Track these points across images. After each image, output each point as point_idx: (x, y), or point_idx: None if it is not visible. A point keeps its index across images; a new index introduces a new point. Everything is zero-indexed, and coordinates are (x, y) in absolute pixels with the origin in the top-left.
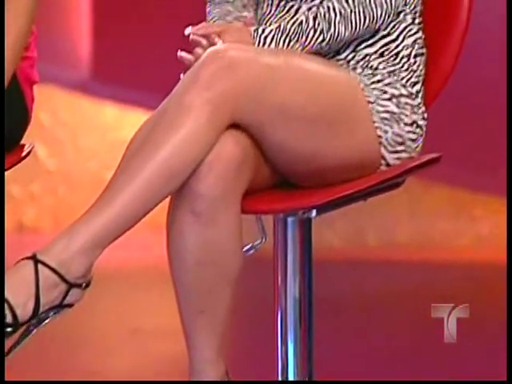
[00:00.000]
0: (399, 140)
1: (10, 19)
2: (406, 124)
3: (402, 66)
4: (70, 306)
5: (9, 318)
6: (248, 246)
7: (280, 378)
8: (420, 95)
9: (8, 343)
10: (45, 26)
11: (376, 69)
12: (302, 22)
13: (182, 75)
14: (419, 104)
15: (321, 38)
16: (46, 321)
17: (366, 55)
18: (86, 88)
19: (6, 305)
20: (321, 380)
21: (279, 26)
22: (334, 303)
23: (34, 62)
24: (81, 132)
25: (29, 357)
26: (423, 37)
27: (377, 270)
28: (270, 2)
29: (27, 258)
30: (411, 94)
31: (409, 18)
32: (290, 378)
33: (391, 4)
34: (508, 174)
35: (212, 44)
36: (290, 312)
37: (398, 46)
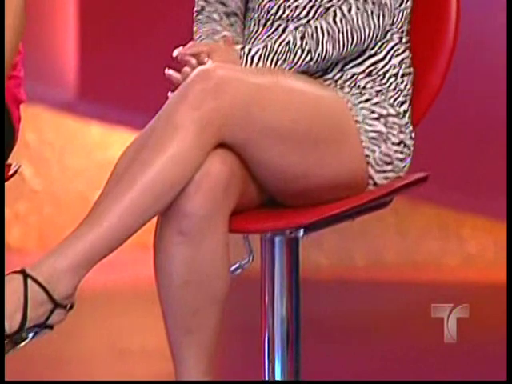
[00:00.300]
0: (387, 159)
1: None
2: (393, 143)
3: (390, 86)
4: (51, 327)
5: None
6: (235, 266)
7: None
8: (407, 115)
9: None
10: (32, 46)
11: (363, 88)
12: (289, 41)
13: (169, 93)
14: (407, 124)
15: (308, 58)
16: (26, 341)
17: (354, 75)
18: (73, 108)
19: None
20: None
21: (266, 45)
22: (321, 323)
23: (20, 81)
24: (67, 152)
25: (14, 376)
26: (410, 56)
27: (364, 289)
28: (257, 22)
29: (16, 272)
30: (399, 113)
31: (396, 38)
32: None
33: (379, 24)
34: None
35: (201, 63)
36: (278, 331)
37: (385, 66)
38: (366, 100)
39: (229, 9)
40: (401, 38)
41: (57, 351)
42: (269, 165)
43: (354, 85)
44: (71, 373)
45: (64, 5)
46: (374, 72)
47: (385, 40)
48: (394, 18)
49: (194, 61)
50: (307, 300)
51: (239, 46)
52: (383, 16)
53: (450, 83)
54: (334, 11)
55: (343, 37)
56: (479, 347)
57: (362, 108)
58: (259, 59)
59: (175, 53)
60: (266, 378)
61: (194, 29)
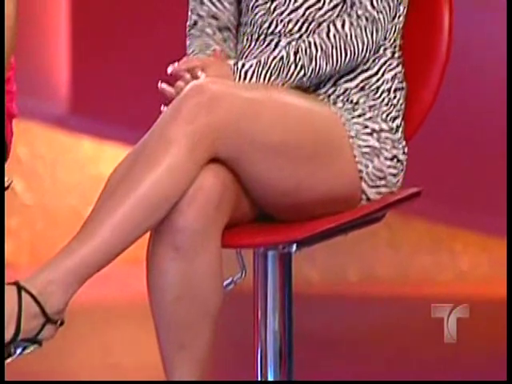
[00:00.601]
0: (380, 175)
1: None
2: (386, 158)
3: (383, 101)
4: (40, 344)
5: None
6: (228, 281)
7: None
8: (400, 130)
9: None
10: (24, 61)
11: (356, 103)
12: (282, 56)
13: (162, 107)
14: (400, 139)
15: (302, 73)
16: (13, 357)
17: (347, 89)
18: (65, 122)
19: None
20: None
21: (260, 60)
22: (314, 338)
23: (13, 96)
24: (59, 166)
25: None
26: (403, 71)
27: (357, 304)
28: (250, 37)
29: (10, 284)
30: (392, 128)
31: (388, 53)
32: None
33: (372, 39)
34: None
35: (194, 78)
36: (270, 346)
37: (378, 81)
38: (359, 115)
39: (222, 23)
40: (393, 53)
41: (48, 365)
42: (262, 179)
43: (347, 100)
44: None
45: (56, 19)
46: (366, 87)
47: (377, 55)
48: (386, 32)
49: (187, 75)
50: (300, 315)
51: (232, 61)
52: (376, 31)
53: (443, 98)
54: (328, 27)
55: (337, 52)
56: (479, 347)
57: (354, 123)
58: (252, 74)
59: (170, 69)
60: None
61: (187, 43)
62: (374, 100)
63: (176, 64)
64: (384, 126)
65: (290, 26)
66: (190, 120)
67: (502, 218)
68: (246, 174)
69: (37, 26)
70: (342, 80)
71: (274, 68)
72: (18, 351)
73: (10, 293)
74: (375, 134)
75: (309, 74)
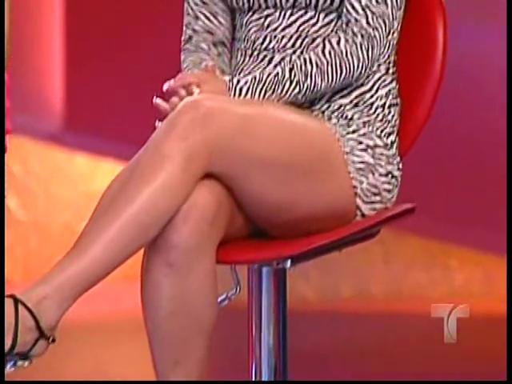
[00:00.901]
0: (374, 190)
1: None
2: (381, 174)
3: (377, 117)
4: (31, 360)
5: None
6: (222, 297)
7: None
8: (395, 146)
9: None
10: (17, 77)
11: (351, 119)
12: (278, 73)
13: (157, 123)
14: (394, 155)
15: (297, 90)
16: (4, 370)
17: (341, 106)
18: (58, 138)
19: None
20: None
21: (255, 76)
22: (308, 354)
23: (7, 112)
24: (52, 182)
25: None
26: (397, 87)
27: (351, 321)
28: (244, 52)
29: (6, 296)
30: (386, 144)
31: (383, 69)
32: None
33: (368, 56)
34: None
35: (189, 93)
36: (265, 363)
37: (372, 97)
38: (354, 131)
39: (216, 38)
40: (387, 69)
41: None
42: (256, 195)
43: (342, 116)
44: None
45: (50, 35)
46: (360, 103)
47: (371, 71)
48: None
49: (183, 92)
50: (294, 331)
51: (228, 77)
52: (372, 49)
53: (438, 114)
54: (323, 43)
55: (332, 69)
56: (479, 347)
57: (349, 139)
58: (248, 90)
59: (165, 86)
60: None
61: (182, 58)
62: (368, 116)
63: (171, 81)
64: (378, 141)
65: (284, 41)
66: (184, 136)
67: (497, 234)
68: (240, 189)
69: (30, 41)
70: (337, 96)
71: (269, 84)
72: (9, 366)
73: (7, 305)
74: (370, 150)
75: (304, 90)
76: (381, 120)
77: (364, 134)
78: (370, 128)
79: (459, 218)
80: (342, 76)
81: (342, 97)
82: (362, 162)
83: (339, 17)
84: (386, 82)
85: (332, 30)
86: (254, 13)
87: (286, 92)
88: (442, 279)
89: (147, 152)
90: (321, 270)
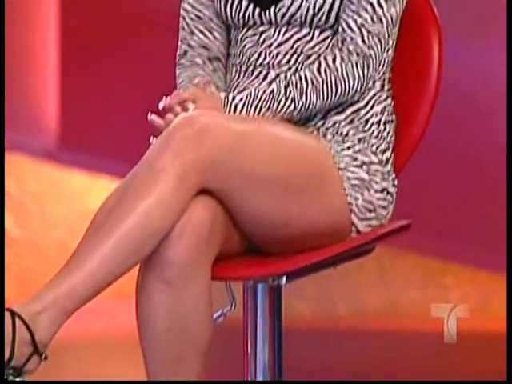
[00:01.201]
0: (370, 207)
1: None
2: (376, 191)
3: (372, 133)
4: (24, 377)
5: None
6: (218, 313)
7: None
8: (390, 162)
9: None
10: (12, 94)
11: (346, 135)
12: (273, 90)
13: (151, 139)
14: (389, 171)
15: (292, 107)
16: None
17: (336, 122)
18: (54, 156)
19: None
20: None
21: (250, 93)
22: (304, 372)
23: None
24: (48, 200)
25: None
26: (393, 103)
27: (347, 338)
28: (239, 68)
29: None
30: (381, 161)
31: (378, 85)
32: None
33: (364, 75)
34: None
35: (185, 110)
36: (260, 379)
37: (367, 113)
38: (349, 147)
39: (212, 53)
40: (383, 86)
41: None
42: (251, 211)
43: (337, 132)
44: None
45: (45, 53)
46: (356, 119)
47: (367, 88)
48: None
49: (178, 108)
50: (289, 348)
51: (223, 94)
52: (367, 67)
53: (434, 130)
54: (319, 61)
55: (327, 87)
56: (479, 347)
57: (344, 155)
58: (243, 107)
59: (161, 105)
60: None
61: (177, 73)
62: (363, 132)
63: (167, 98)
64: (374, 158)
65: (279, 58)
66: (179, 152)
67: (493, 252)
68: (235, 206)
69: (25, 59)
70: (332, 112)
71: (264, 101)
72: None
73: (5, 318)
74: (365, 167)
75: (299, 108)
76: (376, 136)
77: (359, 151)
78: (365, 144)
79: (455, 235)
80: (338, 94)
81: (337, 113)
82: (357, 179)
83: (334, 34)
84: (382, 99)
85: (327, 47)
86: (248, 29)
87: (281, 109)
88: (437, 297)
89: (142, 168)
90: (316, 287)
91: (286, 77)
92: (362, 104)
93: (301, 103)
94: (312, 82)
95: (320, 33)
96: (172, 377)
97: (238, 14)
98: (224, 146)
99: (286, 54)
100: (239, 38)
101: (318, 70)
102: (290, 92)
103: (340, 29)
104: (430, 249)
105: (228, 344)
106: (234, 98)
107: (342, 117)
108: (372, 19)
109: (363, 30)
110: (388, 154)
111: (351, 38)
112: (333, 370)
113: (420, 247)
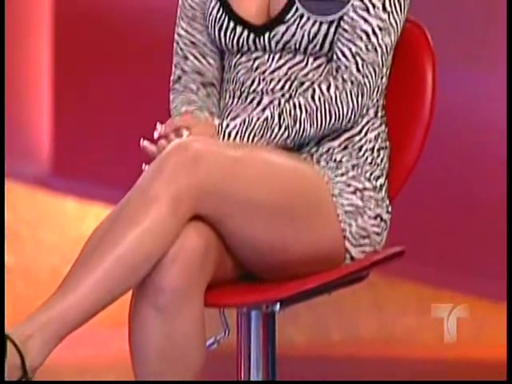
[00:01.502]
0: (363, 233)
1: None
2: (370, 217)
3: (366, 160)
4: None
5: None
6: (211, 340)
7: None
8: (384, 189)
9: None
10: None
11: (340, 162)
12: (267, 117)
13: (144, 166)
14: (383, 198)
15: (286, 135)
16: None
17: (330, 148)
18: (47, 183)
19: None
20: None
21: (244, 120)
22: None
23: None
24: (41, 228)
25: None
26: (386, 130)
27: (341, 365)
28: (232, 93)
29: None
30: (375, 187)
31: (371, 112)
32: None
33: (358, 103)
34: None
35: (179, 137)
36: None
37: (361, 140)
38: (342, 174)
39: (205, 79)
40: (376, 113)
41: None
42: (245, 238)
43: (330, 158)
44: None
45: (38, 79)
46: (349, 146)
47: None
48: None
49: (172, 135)
50: (283, 375)
51: (217, 121)
52: (362, 96)
53: (428, 157)
54: (313, 89)
55: (321, 115)
56: (479, 347)
57: (338, 182)
58: (236, 134)
59: (156, 134)
60: None
61: (171, 98)
62: (357, 159)
63: (162, 127)
64: (367, 184)
65: (273, 84)
66: (172, 178)
67: (488, 279)
68: (229, 232)
69: (18, 86)
70: (325, 139)
71: (258, 129)
72: None
73: None
74: (358, 193)
75: (293, 135)
76: (370, 163)
77: (353, 177)
78: (359, 171)
79: (449, 262)
80: (331, 122)
81: (330, 140)
82: (350, 205)
83: (328, 61)
84: (375, 126)
85: (321, 74)
86: (242, 55)
87: (275, 136)
88: (432, 324)
89: (135, 194)
90: (310, 314)
91: (279, 104)
92: (355, 131)
93: (294, 131)
94: (306, 110)
95: (314, 60)
96: None
97: (233, 40)
98: (217, 172)
99: (280, 80)
100: (233, 63)
101: (312, 97)
102: (284, 119)
103: (334, 56)
104: (425, 276)
105: (221, 371)
106: (227, 125)
107: (335, 143)
108: (367, 48)
109: (358, 58)
110: (382, 180)
111: (346, 67)
112: None
113: (414, 274)
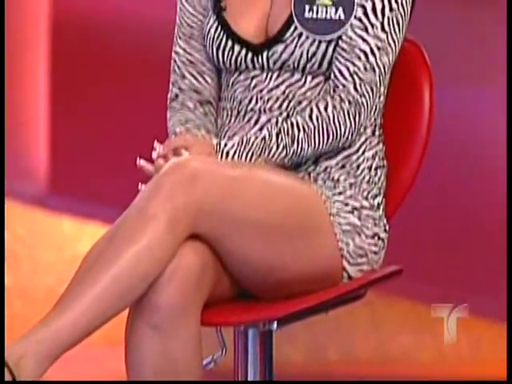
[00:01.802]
0: (361, 252)
1: None
2: (367, 236)
3: (363, 178)
4: None
5: None
6: (208, 359)
7: None
8: (381, 207)
9: None
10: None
11: (337, 181)
12: (265, 137)
13: (140, 186)
14: (381, 216)
15: (283, 154)
16: None
17: (327, 167)
18: (43, 201)
19: None
20: None
21: (242, 140)
22: None
23: None
24: (37, 246)
25: None
26: (384, 149)
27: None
28: (230, 112)
29: None
30: (373, 206)
31: (369, 131)
32: None
33: (355, 123)
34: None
35: (177, 156)
36: None
37: (358, 159)
38: (340, 193)
39: (203, 97)
40: (374, 132)
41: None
42: (242, 256)
43: (328, 177)
44: None
45: (34, 99)
46: (347, 165)
47: (358, 133)
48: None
49: (170, 155)
50: None
51: (215, 141)
52: (359, 115)
53: (425, 176)
54: (311, 108)
55: (319, 134)
56: (479, 347)
57: (335, 201)
58: (234, 154)
59: (154, 154)
60: None
61: (168, 116)
62: (354, 177)
63: (160, 147)
64: (365, 203)
65: (270, 103)
66: (169, 197)
67: (485, 298)
68: (226, 251)
69: (14, 105)
70: (323, 158)
71: (255, 148)
72: None
73: None
74: (356, 212)
75: (290, 154)
76: (367, 182)
77: (350, 196)
78: (357, 190)
79: (447, 280)
80: (329, 141)
81: (328, 158)
82: (348, 224)
83: (326, 79)
84: (373, 144)
85: (319, 93)
86: (240, 73)
87: (273, 156)
88: (429, 343)
89: (132, 213)
90: (307, 332)
91: (277, 123)
92: (353, 149)
93: (292, 150)
94: (303, 129)
95: (312, 78)
96: None
97: (230, 59)
98: (215, 190)
99: (278, 99)
100: (230, 82)
101: (310, 116)
102: (282, 139)
103: (332, 75)
104: (422, 294)
105: None
106: (225, 145)
107: (333, 162)
108: (365, 67)
109: (356, 77)
110: (379, 199)
111: (343, 86)
112: None
113: (411, 292)
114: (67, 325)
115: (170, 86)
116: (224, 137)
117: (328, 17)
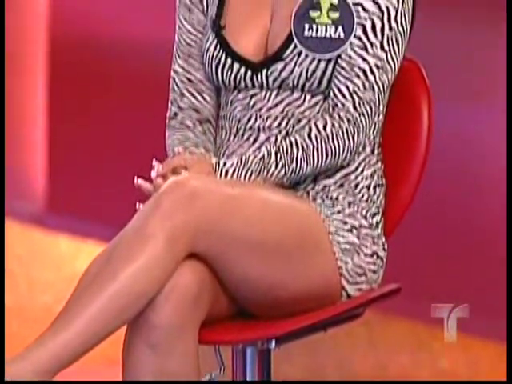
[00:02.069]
0: (360, 271)
1: None
2: (366, 255)
3: (362, 197)
4: None
5: None
6: (206, 378)
7: None
8: (380, 226)
9: None
10: None
11: (336, 199)
12: (263, 156)
13: (137, 205)
14: (379, 235)
15: (282, 173)
16: None
17: (326, 186)
18: (41, 220)
19: None
20: None
21: (241, 159)
22: None
23: None
24: (35, 265)
25: None
26: (382, 167)
27: None
28: (228, 130)
29: None
30: (371, 224)
31: (368, 150)
32: None
33: (353, 142)
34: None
35: (176, 175)
36: None
37: (357, 177)
38: (339, 211)
39: (202, 116)
40: (373, 150)
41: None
42: (240, 276)
43: (327, 196)
44: None
45: (32, 117)
46: (346, 183)
47: (357, 152)
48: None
49: (169, 174)
50: None
51: (214, 160)
52: (358, 134)
53: (424, 194)
54: (310, 127)
55: (317, 153)
56: (479, 347)
57: (334, 219)
58: (233, 173)
59: (153, 174)
60: None
61: (167, 134)
62: (353, 196)
63: (159, 166)
64: (364, 222)
65: (269, 121)
66: (168, 215)
67: (483, 318)
68: (224, 270)
69: (13, 123)
70: (321, 176)
71: (254, 166)
72: None
73: None
74: (355, 231)
75: (289, 173)
76: (366, 200)
77: (349, 215)
78: (355, 208)
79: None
80: (328, 160)
81: (326, 177)
82: (347, 243)
83: (325, 98)
84: (371, 163)
85: (318, 112)
86: (239, 92)
87: (272, 175)
88: (426, 362)
89: (130, 231)
90: (306, 351)
91: (276, 141)
92: (351, 168)
93: (291, 169)
94: (302, 148)
95: (311, 97)
96: None
97: (229, 77)
98: (214, 209)
99: (277, 117)
100: (229, 100)
101: (309, 135)
102: (281, 158)
103: (331, 94)
104: (420, 313)
105: None
106: (224, 164)
107: (331, 181)
108: (364, 86)
109: (355, 96)
110: (378, 217)
111: (342, 104)
112: None
113: (409, 311)
114: (64, 343)
115: (169, 104)
116: (223, 155)
117: (328, 35)
